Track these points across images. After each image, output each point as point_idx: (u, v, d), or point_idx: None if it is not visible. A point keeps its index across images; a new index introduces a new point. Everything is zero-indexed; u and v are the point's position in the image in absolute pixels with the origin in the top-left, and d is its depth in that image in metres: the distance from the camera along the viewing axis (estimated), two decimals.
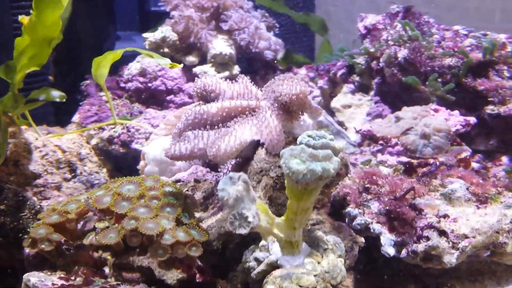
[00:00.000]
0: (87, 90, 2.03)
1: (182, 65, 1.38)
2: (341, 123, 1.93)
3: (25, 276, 1.07)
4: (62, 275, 1.11)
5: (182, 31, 1.97)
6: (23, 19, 1.32)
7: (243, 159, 1.12)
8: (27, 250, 1.16)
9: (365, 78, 1.90)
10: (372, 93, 1.89)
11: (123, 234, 1.05)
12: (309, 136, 0.84)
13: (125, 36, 2.80)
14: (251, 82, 1.22)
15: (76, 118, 1.85)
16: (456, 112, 1.41)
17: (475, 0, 2.72)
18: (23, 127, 1.59)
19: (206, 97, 1.26)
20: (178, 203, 1.10)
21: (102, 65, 1.48)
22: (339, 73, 1.98)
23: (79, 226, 1.15)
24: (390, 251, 1.19)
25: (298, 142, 0.85)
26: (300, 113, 1.06)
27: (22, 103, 1.51)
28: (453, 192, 1.15)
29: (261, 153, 1.09)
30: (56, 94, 1.51)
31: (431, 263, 1.15)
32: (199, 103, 1.31)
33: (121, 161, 1.80)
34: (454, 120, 1.35)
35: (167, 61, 1.30)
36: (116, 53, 1.46)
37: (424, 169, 1.20)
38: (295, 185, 0.81)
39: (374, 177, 1.21)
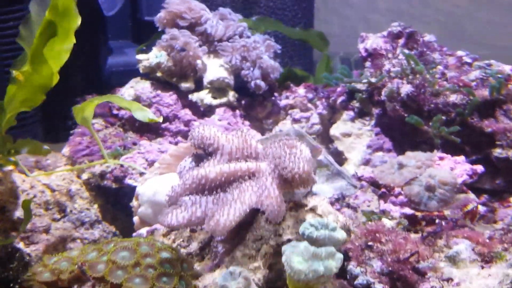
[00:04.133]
0: None
1: (161, 118, 1.35)
2: (340, 153, 1.90)
3: None
4: None
5: (176, 60, 1.95)
6: (19, 75, 1.28)
7: (241, 224, 1.10)
8: None
9: (365, 107, 1.88)
10: (372, 122, 1.86)
11: None
12: (311, 225, 0.82)
13: (117, 48, 2.74)
14: (249, 136, 1.20)
15: (66, 150, 1.81)
16: (462, 158, 1.39)
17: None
18: (10, 167, 1.56)
19: (204, 148, 1.23)
20: (175, 271, 1.08)
21: (86, 109, 1.45)
22: (339, 100, 1.95)
23: None
24: None
25: (300, 232, 0.83)
26: (302, 187, 1.04)
27: (11, 144, 1.48)
28: (458, 255, 1.14)
29: (260, 220, 1.07)
30: (44, 149, 1.48)
31: None
32: (196, 152, 1.29)
33: (114, 196, 1.77)
34: (461, 169, 1.33)
35: (148, 114, 1.28)
36: (94, 102, 1.44)
37: (429, 229, 1.19)
38: (296, 282, 0.79)
39: (377, 235, 1.20)
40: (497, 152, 1.46)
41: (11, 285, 1.28)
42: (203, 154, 1.27)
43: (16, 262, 1.33)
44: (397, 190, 1.34)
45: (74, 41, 1.37)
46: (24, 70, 1.32)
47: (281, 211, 1.02)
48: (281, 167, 1.03)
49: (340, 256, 0.79)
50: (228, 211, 1.01)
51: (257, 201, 1.03)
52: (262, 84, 1.95)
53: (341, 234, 0.82)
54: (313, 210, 1.09)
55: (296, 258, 0.77)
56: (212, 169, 1.08)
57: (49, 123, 2.24)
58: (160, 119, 1.34)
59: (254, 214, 1.10)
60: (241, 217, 1.01)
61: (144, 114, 1.30)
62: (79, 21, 1.34)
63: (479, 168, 1.34)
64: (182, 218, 1.04)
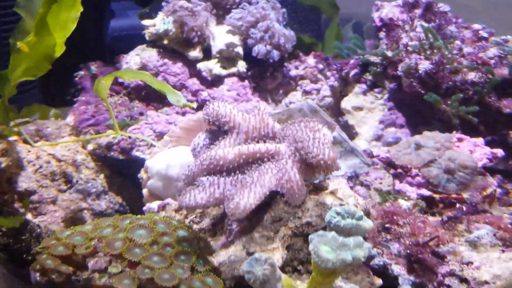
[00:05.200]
0: (81, 84, 1.97)
1: (195, 104, 1.34)
2: (350, 127, 1.90)
3: None
4: None
5: (181, 26, 1.91)
6: (23, 46, 1.26)
7: (259, 204, 1.11)
8: (33, 272, 1.17)
9: (379, 81, 1.87)
10: (385, 96, 1.85)
11: (138, 283, 1.05)
12: (338, 213, 0.83)
13: (119, 11, 2.69)
14: (266, 115, 1.19)
15: (71, 120, 1.80)
16: (481, 141, 1.40)
17: None
18: (14, 137, 1.55)
19: (219, 126, 1.23)
20: (192, 250, 1.09)
21: (104, 79, 1.43)
22: (352, 72, 1.94)
23: (89, 264, 1.15)
24: None
25: (326, 221, 0.84)
26: (325, 173, 1.05)
27: (14, 114, 1.48)
28: (479, 239, 1.16)
29: (279, 202, 1.08)
30: (51, 113, 1.47)
31: None
32: (210, 128, 1.29)
33: (120, 167, 1.77)
34: (480, 152, 1.33)
35: (181, 100, 1.26)
36: (119, 74, 1.42)
37: (449, 213, 1.20)
38: (323, 270, 0.81)
39: (395, 217, 1.21)
40: None
41: (24, 256, 1.30)
42: (216, 130, 1.27)
43: (27, 234, 1.34)
44: (414, 171, 1.35)
45: (81, 9, 1.35)
46: (28, 40, 1.30)
47: (302, 195, 1.03)
48: (304, 152, 1.03)
49: (368, 245, 0.81)
50: (248, 194, 1.01)
51: (277, 184, 1.03)
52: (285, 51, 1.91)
53: (368, 223, 0.84)
54: (333, 193, 1.10)
55: (324, 247, 0.79)
56: (230, 150, 1.08)
57: (50, 90, 2.22)
58: (194, 105, 1.33)
59: (272, 195, 1.11)
60: (261, 200, 1.02)
61: (178, 99, 1.29)
62: None
63: (500, 152, 1.35)
64: (200, 199, 1.05)
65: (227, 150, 1.08)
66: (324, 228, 0.96)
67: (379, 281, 1.19)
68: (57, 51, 1.30)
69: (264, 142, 1.14)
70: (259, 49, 1.90)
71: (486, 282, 1.14)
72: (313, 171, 1.05)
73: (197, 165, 1.10)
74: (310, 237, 0.81)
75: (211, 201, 1.05)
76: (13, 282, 1.33)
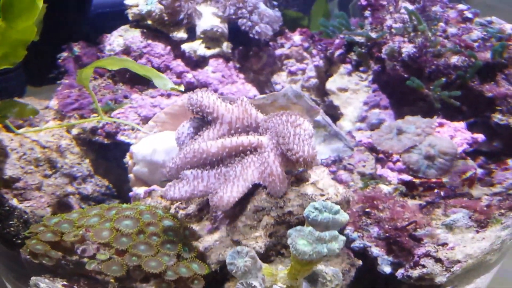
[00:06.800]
0: (64, 66, 2.01)
1: (182, 87, 1.38)
2: (335, 107, 1.97)
3: (33, 279, 1.18)
4: (66, 283, 1.22)
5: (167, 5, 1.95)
6: None
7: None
8: (24, 254, 1.24)
9: (364, 61, 1.92)
10: (370, 78, 1.91)
11: (126, 269, 1.13)
12: (316, 208, 0.90)
13: None
14: (250, 105, 1.25)
15: (54, 103, 1.85)
16: (462, 125, 1.47)
17: None
18: None
19: (202, 115, 1.29)
20: (178, 239, 1.17)
21: (86, 69, 1.47)
22: (337, 53, 1.99)
23: (78, 251, 1.23)
24: (386, 269, 1.30)
25: (304, 215, 0.91)
26: (304, 168, 1.12)
27: None
28: (455, 222, 1.25)
29: (262, 192, 1.15)
30: (29, 108, 1.51)
31: (424, 282, 1.28)
32: (194, 117, 1.35)
33: (105, 151, 1.83)
34: (461, 137, 1.40)
35: (168, 83, 1.30)
36: (101, 63, 1.46)
37: (427, 198, 1.28)
38: (300, 261, 0.89)
39: (375, 202, 1.29)
40: (497, 118, 1.53)
41: (14, 240, 1.37)
42: (201, 119, 1.33)
43: (15, 220, 1.40)
44: (395, 156, 1.42)
45: None
46: None
47: (283, 188, 1.10)
48: (285, 148, 1.09)
49: (342, 238, 0.89)
50: (231, 188, 1.08)
51: (260, 177, 1.11)
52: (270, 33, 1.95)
53: (344, 217, 0.91)
54: (314, 184, 1.17)
55: (301, 241, 0.87)
56: (213, 143, 1.15)
57: (33, 69, 2.24)
58: (182, 88, 1.37)
59: (255, 185, 1.18)
60: (244, 193, 1.09)
61: (165, 83, 1.32)
62: None
63: (480, 137, 1.42)
64: (184, 192, 1.12)
65: (210, 143, 1.15)
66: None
67: (359, 262, 1.28)
68: (28, 34, 1.32)
69: (248, 132, 1.20)
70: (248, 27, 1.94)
71: (459, 261, 1.24)
72: (295, 167, 1.12)
73: (180, 158, 1.16)
74: (288, 232, 0.88)
75: (196, 193, 1.12)
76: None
